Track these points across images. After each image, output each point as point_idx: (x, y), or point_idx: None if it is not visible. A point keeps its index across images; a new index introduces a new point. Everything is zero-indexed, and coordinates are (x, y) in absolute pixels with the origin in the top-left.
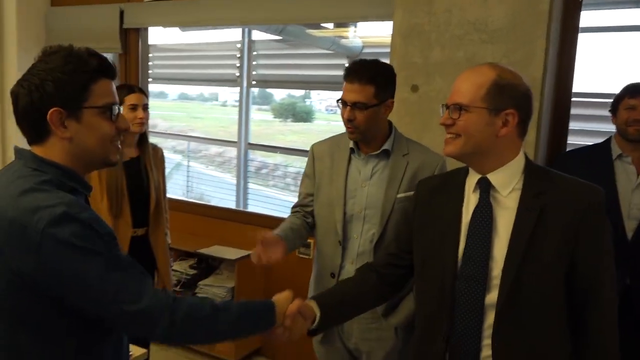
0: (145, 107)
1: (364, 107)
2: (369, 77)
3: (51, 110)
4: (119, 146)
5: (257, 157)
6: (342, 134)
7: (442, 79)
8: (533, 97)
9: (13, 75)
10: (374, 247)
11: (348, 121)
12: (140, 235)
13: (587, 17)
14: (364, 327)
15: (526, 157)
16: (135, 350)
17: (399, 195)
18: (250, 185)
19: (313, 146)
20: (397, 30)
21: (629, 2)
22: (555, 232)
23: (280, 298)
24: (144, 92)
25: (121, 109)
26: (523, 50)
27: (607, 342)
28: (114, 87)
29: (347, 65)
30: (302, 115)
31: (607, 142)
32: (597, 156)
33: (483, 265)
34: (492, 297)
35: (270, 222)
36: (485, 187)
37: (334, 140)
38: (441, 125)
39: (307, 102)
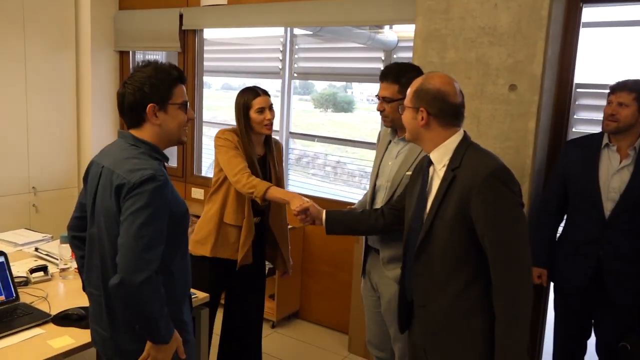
0: (271, 108)
1: (390, 100)
2: (394, 77)
3: (149, 105)
4: (186, 130)
5: (298, 146)
6: None
7: (455, 76)
8: (450, 95)
9: (87, 70)
10: None
11: (380, 111)
12: (256, 223)
13: (605, 12)
14: (378, 273)
15: (461, 140)
16: (198, 293)
17: (407, 173)
18: (291, 175)
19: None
20: (418, 34)
21: None
22: (455, 197)
23: None
24: (268, 94)
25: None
26: (526, 51)
27: (504, 288)
28: (185, 89)
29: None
30: (342, 105)
31: (603, 132)
32: (590, 144)
33: (421, 215)
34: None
35: (312, 201)
36: (428, 162)
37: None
38: None
39: (349, 92)
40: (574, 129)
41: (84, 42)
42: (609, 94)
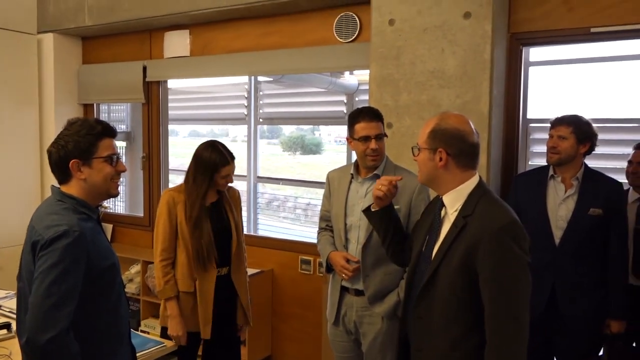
0: (233, 172)
1: (383, 137)
2: (377, 114)
3: (71, 161)
4: (119, 183)
5: (268, 190)
6: (350, 164)
7: (409, 117)
8: (469, 135)
9: (51, 124)
10: (362, 249)
11: (374, 151)
12: (224, 274)
13: (557, 51)
14: (359, 313)
15: (477, 184)
16: (166, 342)
17: None
18: (261, 219)
19: (328, 173)
20: (373, 79)
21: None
22: (463, 245)
23: None
24: (234, 158)
25: (121, 158)
26: (472, 92)
27: (497, 345)
28: (114, 142)
29: (355, 108)
30: (311, 147)
31: (548, 165)
32: (538, 176)
33: (427, 261)
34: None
35: (280, 244)
36: (440, 205)
37: (342, 168)
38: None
39: (316, 134)
40: (530, 162)
41: (48, 96)
42: (550, 128)
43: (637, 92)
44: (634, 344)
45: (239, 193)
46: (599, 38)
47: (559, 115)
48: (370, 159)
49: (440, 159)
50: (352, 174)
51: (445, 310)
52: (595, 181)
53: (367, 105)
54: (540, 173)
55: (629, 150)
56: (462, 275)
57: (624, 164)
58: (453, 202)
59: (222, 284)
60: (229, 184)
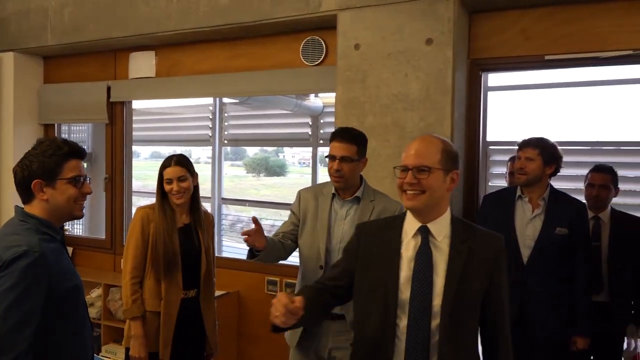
0: (182, 179)
1: (350, 160)
2: (352, 138)
3: (34, 181)
4: (84, 205)
5: (232, 211)
6: (324, 183)
7: (375, 139)
8: None
9: (9, 144)
10: None
11: (336, 171)
12: (192, 297)
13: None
14: (334, 338)
15: (450, 211)
16: None
17: None
18: (225, 241)
19: (300, 191)
20: (339, 101)
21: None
22: (478, 270)
23: None
24: (182, 164)
25: (89, 179)
26: (435, 115)
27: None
28: (82, 163)
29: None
30: (275, 169)
31: (516, 185)
32: (506, 196)
33: (428, 298)
34: (435, 322)
35: (246, 265)
36: (425, 234)
37: (317, 187)
38: (406, 184)
39: (280, 156)
40: (490, 183)
41: (6, 116)
42: (517, 150)
43: (589, 117)
44: (592, 357)
45: (212, 218)
46: (553, 65)
47: (526, 138)
48: (333, 179)
49: (452, 181)
50: (333, 194)
51: (470, 340)
52: (560, 201)
53: (336, 127)
54: (508, 193)
55: (582, 172)
56: (479, 301)
57: (578, 185)
58: (440, 229)
59: (189, 306)
60: (180, 195)
